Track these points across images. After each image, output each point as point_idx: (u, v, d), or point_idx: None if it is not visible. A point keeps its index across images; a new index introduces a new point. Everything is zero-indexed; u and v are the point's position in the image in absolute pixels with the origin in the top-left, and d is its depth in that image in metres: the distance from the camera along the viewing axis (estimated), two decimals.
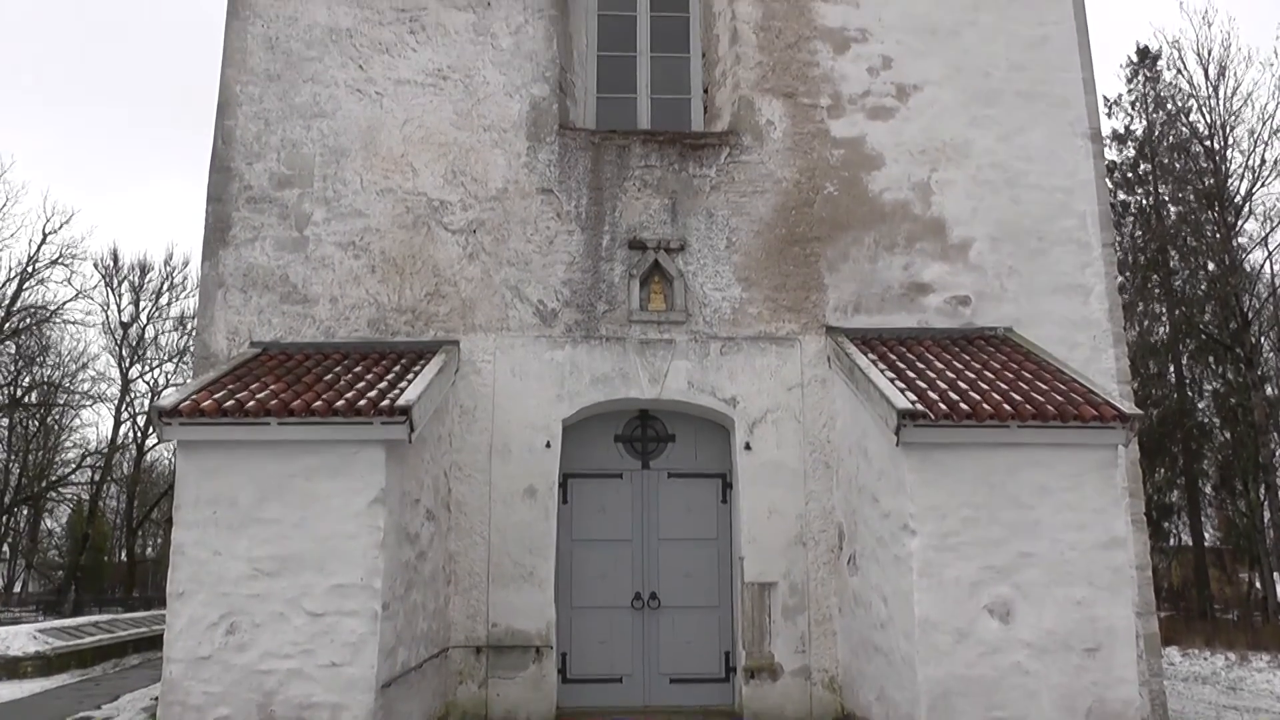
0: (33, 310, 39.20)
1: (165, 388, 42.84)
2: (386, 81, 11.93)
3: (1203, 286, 33.86)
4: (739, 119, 12.00)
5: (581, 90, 12.48)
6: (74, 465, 43.04)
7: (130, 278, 44.04)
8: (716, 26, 12.62)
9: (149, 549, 53.23)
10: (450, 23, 12.13)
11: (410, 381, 9.69)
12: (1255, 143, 32.83)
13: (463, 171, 11.71)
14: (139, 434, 43.59)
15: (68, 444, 44.41)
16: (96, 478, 43.02)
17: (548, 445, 11.10)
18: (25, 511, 44.35)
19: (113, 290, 43.50)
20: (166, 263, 49.53)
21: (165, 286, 44.19)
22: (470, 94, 11.93)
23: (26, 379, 40.64)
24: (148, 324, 43.91)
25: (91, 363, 46.48)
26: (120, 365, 43.04)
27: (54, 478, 42.69)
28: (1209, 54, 34.70)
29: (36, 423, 42.40)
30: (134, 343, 43.61)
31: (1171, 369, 34.84)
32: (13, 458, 41.34)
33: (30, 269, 38.37)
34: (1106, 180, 12.52)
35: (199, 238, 11.70)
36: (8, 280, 38.21)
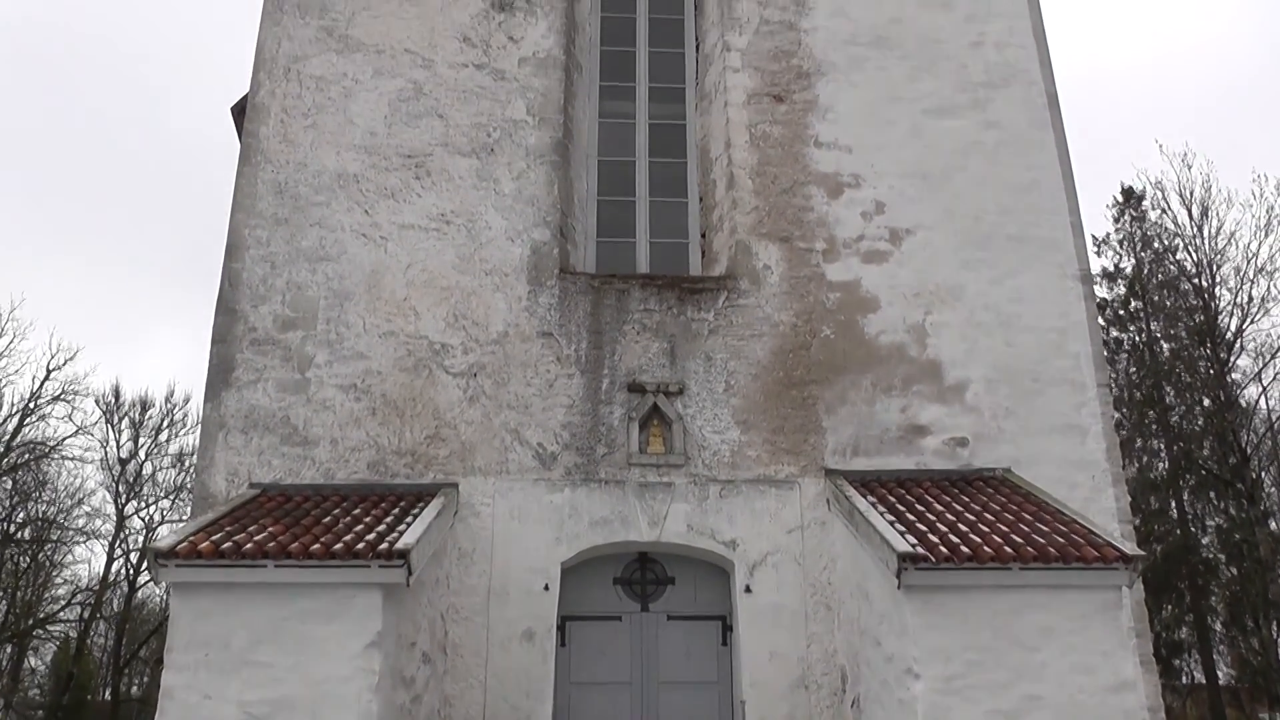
0: (32, 446, 39.14)
1: (161, 524, 42.48)
2: (391, 226, 12.20)
3: (1200, 422, 33.93)
4: (736, 263, 12.24)
5: (582, 234, 12.76)
6: (64, 602, 42.38)
7: (131, 414, 44.11)
8: (713, 172, 12.98)
9: (135, 687, 52.03)
10: (454, 168, 12.48)
11: (409, 524, 9.67)
12: (1241, 280, 33.31)
13: (464, 315, 11.89)
14: (131, 571, 43.07)
15: (58, 580, 43.82)
16: (86, 615, 42.33)
17: (546, 588, 11.01)
18: (9, 650, 43.50)
19: (113, 426, 43.50)
20: (168, 399, 49.57)
21: (165, 423, 44.19)
22: (473, 238, 12.19)
23: (21, 515, 40.34)
24: (146, 460, 43.78)
25: (87, 498, 46.16)
26: (116, 501, 42.77)
27: (42, 615, 42.00)
28: (1191, 195, 35.31)
29: (28, 559, 41.91)
30: (131, 479, 43.41)
31: (1173, 505, 34.67)
32: (1, 594, 40.75)
33: (32, 405, 38.46)
34: (1099, 320, 12.73)
35: (202, 375, 11.81)
36: (9, 416, 38.24)
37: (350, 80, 12.86)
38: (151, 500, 43.68)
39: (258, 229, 12.16)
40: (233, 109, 14.48)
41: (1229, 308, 33.17)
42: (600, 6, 14.15)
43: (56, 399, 39.10)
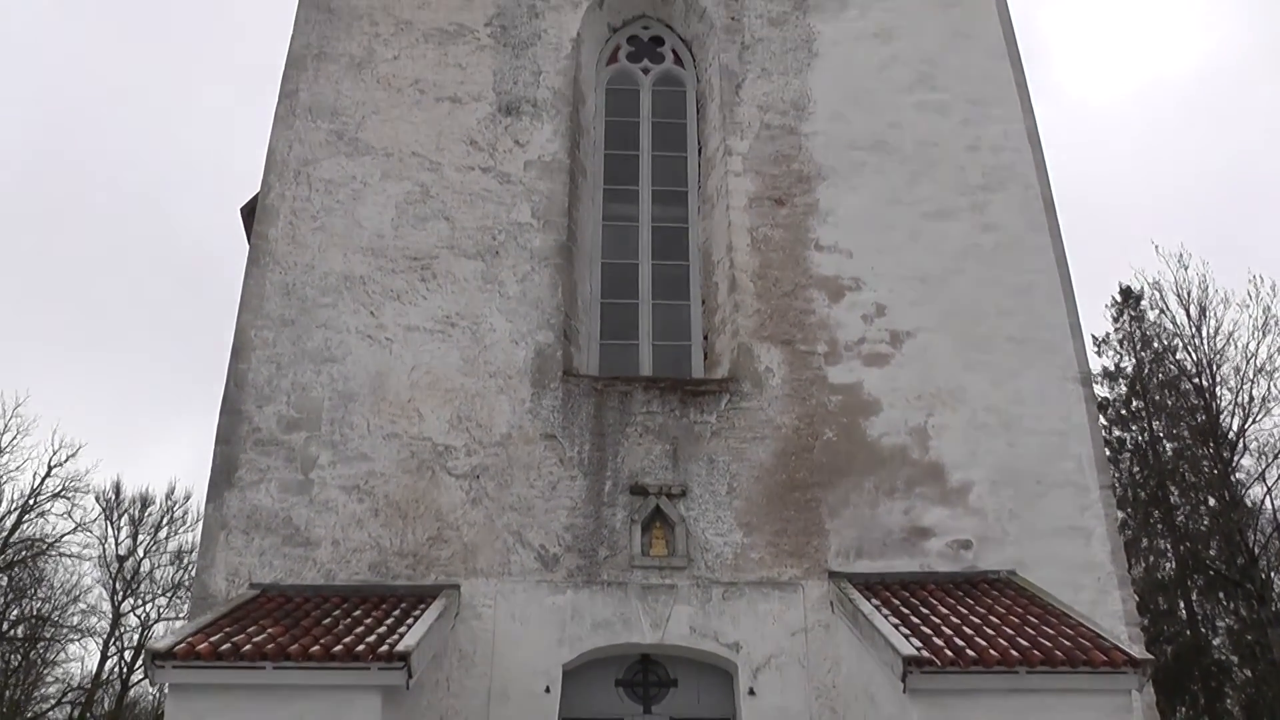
0: (29, 543, 38.89)
1: (157, 621, 41.99)
2: (397, 328, 12.32)
3: (1205, 522, 33.72)
4: (738, 366, 12.32)
5: (585, 336, 12.88)
6: (54, 701, 41.68)
7: (131, 511, 43.91)
8: (716, 275, 13.14)
9: None
10: (460, 271, 12.64)
11: (410, 626, 9.60)
12: (1242, 380, 33.37)
13: (468, 417, 11.93)
14: (125, 669, 42.45)
15: (49, 678, 43.13)
16: (76, 714, 41.59)
17: (547, 690, 10.86)
18: None
19: (112, 523, 43.25)
20: (168, 496, 49.36)
21: (165, 520, 43.97)
22: (477, 340, 12.30)
23: (14, 612, 39.89)
24: (144, 557, 43.48)
25: (83, 595, 45.73)
26: (112, 599, 42.34)
27: (30, 715, 41.26)
28: (1189, 295, 35.61)
29: (19, 657, 41.34)
30: (129, 576, 43.06)
31: (1182, 605, 34.27)
32: None
33: (32, 501, 38.33)
34: (1100, 420, 12.77)
35: (204, 474, 11.81)
36: (8, 513, 38.07)
37: (359, 183, 13.11)
38: (148, 598, 43.23)
39: (264, 330, 12.27)
40: (242, 209, 14.73)
41: (1230, 407, 33.18)
42: (604, 111, 14.51)
43: (57, 495, 38.94)
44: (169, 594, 42.95)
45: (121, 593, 42.35)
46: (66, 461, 43.82)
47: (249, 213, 14.02)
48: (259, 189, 13.23)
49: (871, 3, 14.81)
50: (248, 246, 13.12)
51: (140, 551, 43.23)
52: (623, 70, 14.85)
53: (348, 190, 13.05)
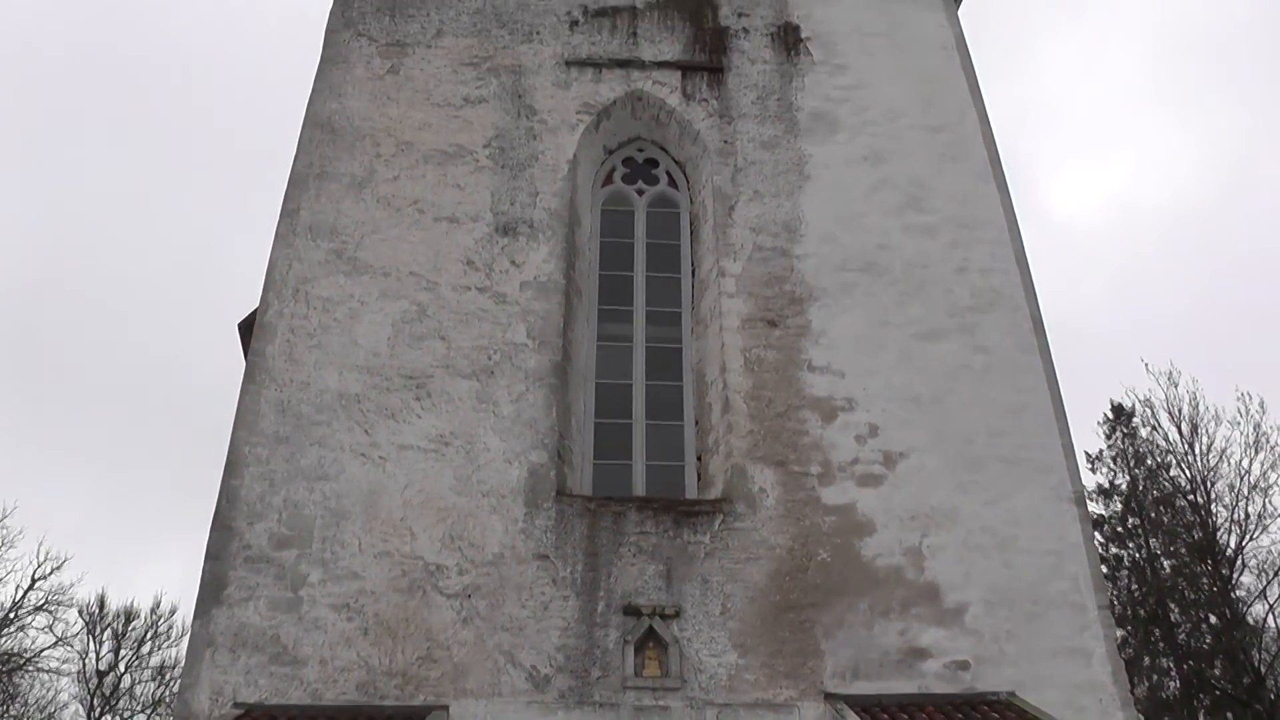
0: (6, 658, 38.15)
1: None
2: (391, 446, 12.33)
3: (1208, 640, 33.32)
4: (732, 486, 12.32)
5: (579, 456, 12.89)
6: None
7: (114, 625, 43.20)
8: (709, 395, 13.22)
9: None
10: (454, 390, 12.70)
11: None
12: (1237, 497, 33.32)
13: (460, 536, 11.87)
14: None
15: None
16: None
17: None
18: None
19: (94, 637, 42.47)
20: (153, 610, 48.64)
21: (149, 635, 43.25)
22: (471, 460, 12.30)
23: None
24: (125, 673, 42.64)
25: (59, 712, 44.72)
26: (89, 716, 41.39)
27: None
28: (1180, 412, 35.80)
29: None
30: (108, 692, 42.16)
31: None
32: None
33: (13, 615, 37.72)
34: (1096, 538, 12.74)
35: (191, 589, 11.71)
36: None
37: (356, 301, 13.26)
38: (127, 715, 42.26)
39: (258, 447, 12.27)
40: (240, 325, 14.85)
41: (1226, 524, 33.07)
42: (600, 232, 14.76)
43: (39, 609, 38.31)
44: (149, 711, 41.99)
45: (100, 709, 41.40)
46: (51, 574, 43.24)
47: (246, 328, 14.14)
48: (258, 305, 13.37)
49: (861, 127, 15.22)
50: (244, 362, 13.21)
51: (122, 666, 42.41)
52: (618, 192, 15.16)
53: (345, 309, 13.19)
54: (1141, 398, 37.08)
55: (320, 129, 14.65)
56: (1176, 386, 38.21)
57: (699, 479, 12.91)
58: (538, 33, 15.97)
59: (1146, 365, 45.69)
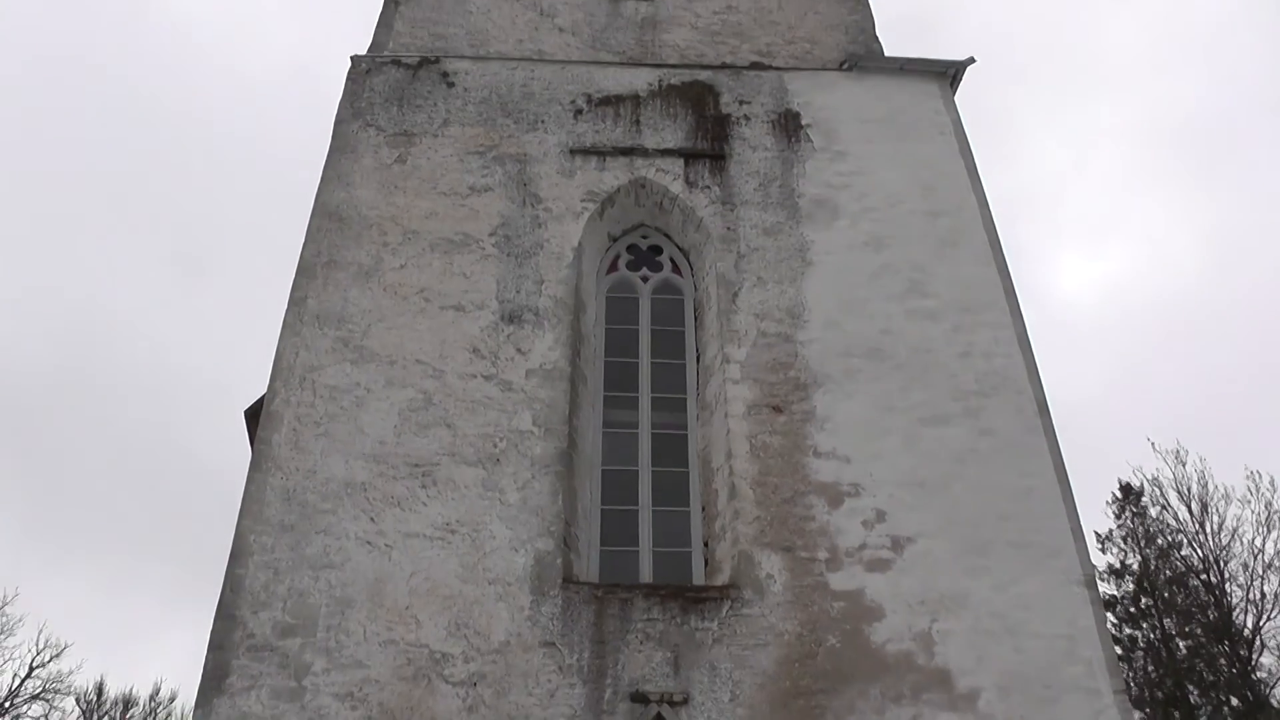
0: None
1: None
2: (396, 534, 12.31)
3: None
4: (739, 573, 12.25)
5: (585, 543, 12.85)
6: None
7: (112, 712, 42.69)
8: (715, 481, 13.21)
9: None
10: (461, 478, 12.71)
11: None
12: (1251, 577, 33.07)
13: (466, 624, 11.79)
14: None
15: None
16: None
17: None
18: None
19: None
20: (152, 698, 48.10)
21: None
22: (477, 548, 12.26)
23: None
24: None
25: None
26: None
27: None
28: (1189, 491, 35.73)
29: None
30: None
31: None
32: None
33: (8, 704, 37.31)
34: (1110, 619, 12.63)
35: (192, 676, 11.61)
36: None
37: (363, 390, 13.33)
38: None
39: (263, 535, 12.26)
40: (246, 412, 14.93)
41: (1242, 604, 32.78)
42: (605, 319, 14.88)
43: (35, 697, 37.97)
44: None
45: None
46: (50, 662, 42.90)
47: (253, 415, 14.21)
48: (264, 393, 13.45)
49: (862, 213, 15.41)
50: (250, 450, 13.25)
51: None
52: (622, 278, 15.32)
53: (352, 397, 13.26)
54: (1149, 477, 37.01)
55: (328, 218, 14.87)
56: (1184, 465, 38.11)
57: (706, 565, 12.86)
58: (543, 121, 16.28)
59: (1153, 444, 45.62)
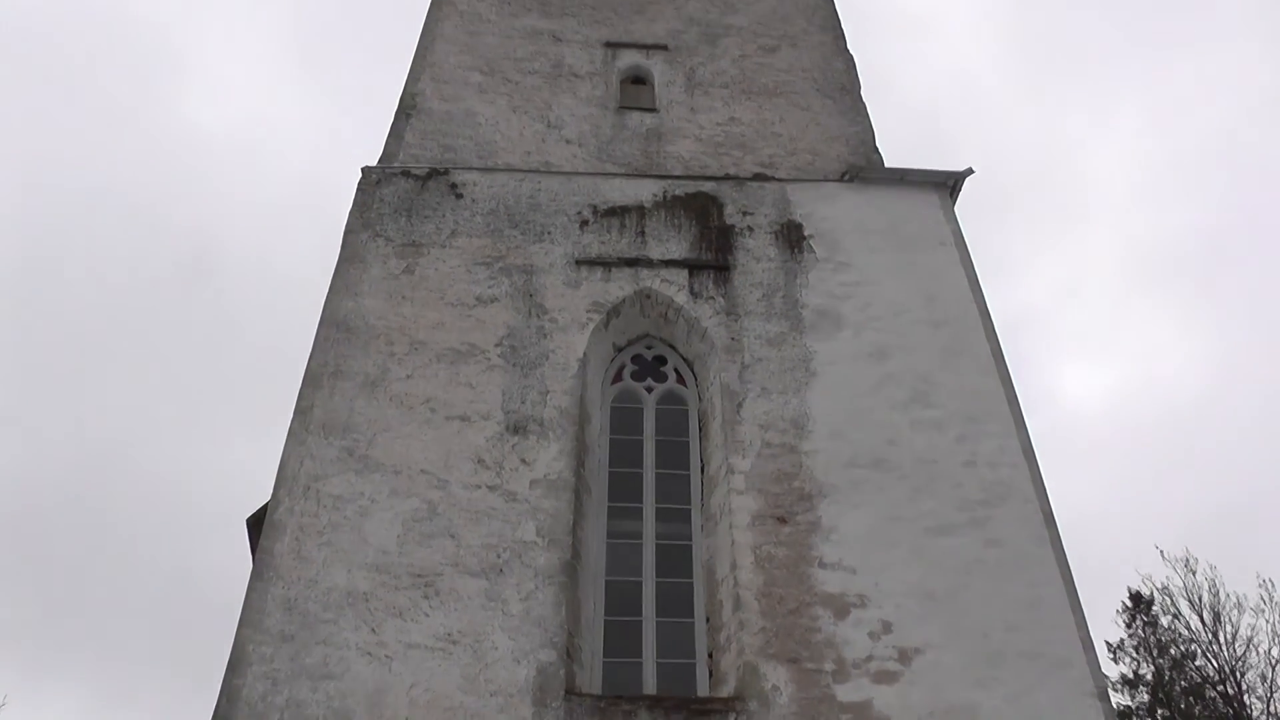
0: None
1: None
2: (398, 645, 12.17)
3: None
4: (745, 684, 12.07)
5: (588, 654, 12.69)
6: None
7: None
8: (720, 593, 13.10)
9: None
10: (463, 589, 12.62)
11: None
12: (1270, 689, 32.44)
13: None
14: None
15: None
16: None
17: None
18: None
19: None
20: None
21: None
22: (478, 659, 12.11)
23: None
24: None
25: None
26: None
27: None
28: (1200, 600, 35.28)
29: None
30: None
31: None
32: None
33: None
34: None
35: None
36: None
37: (367, 499, 13.30)
38: None
39: (263, 645, 12.12)
40: (248, 520, 14.88)
41: (1262, 716, 32.10)
42: (609, 429, 14.90)
43: None
44: None
45: None
46: None
47: (255, 524, 14.16)
48: (268, 501, 13.43)
49: (865, 323, 15.54)
50: (251, 558, 13.17)
51: None
52: (627, 389, 15.39)
53: (355, 507, 13.23)
54: (1159, 585, 36.55)
55: (336, 328, 15.02)
56: (1195, 574, 37.66)
57: (711, 677, 12.66)
58: (549, 232, 16.53)
59: (1162, 552, 45.19)
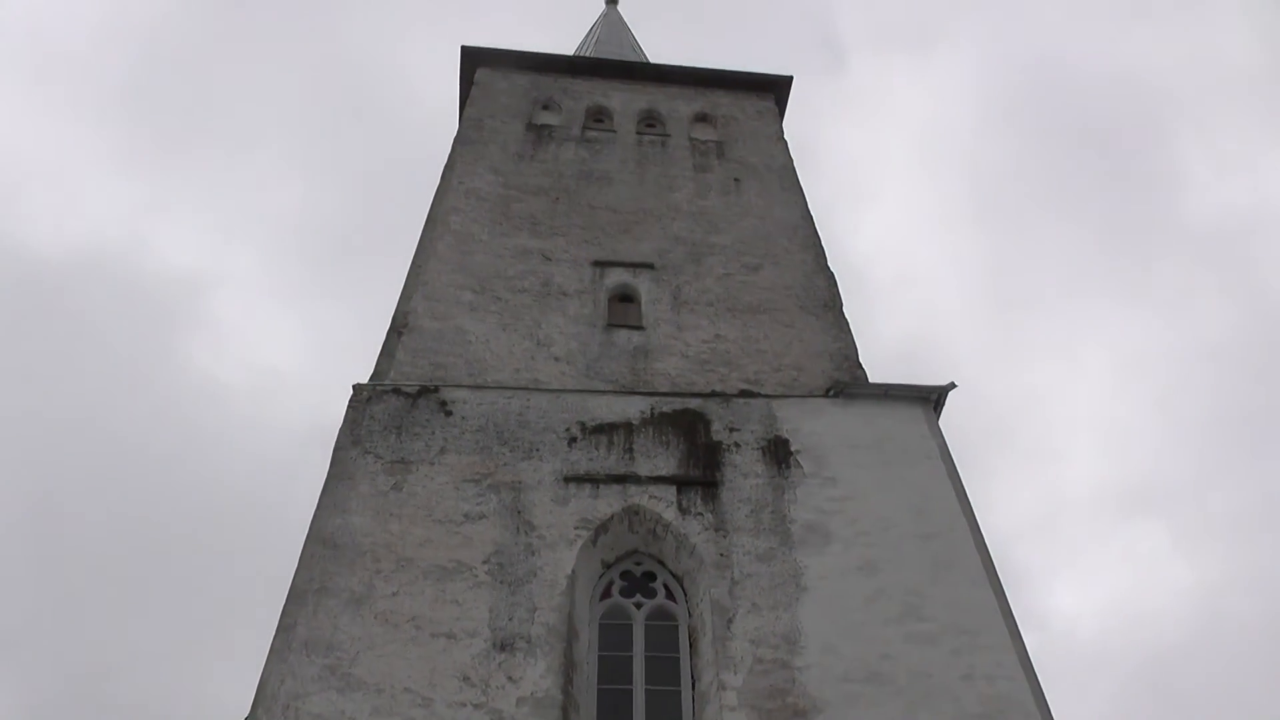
0: None
1: None
2: None
3: None
4: None
5: None
6: None
7: None
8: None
9: None
10: None
11: None
12: None
13: None
14: None
15: None
16: None
17: None
18: None
19: None
20: None
21: None
22: None
23: None
24: None
25: None
26: None
27: None
28: None
29: None
30: None
31: None
32: None
33: None
34: None
35: None
36: None
37: (348, 719, 12.87)
38: None
39: None
40: None
41: None
42: (598, 646, 14.56)
43: None
44: None
45: None
46: None
47: None
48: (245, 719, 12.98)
49: (854, 538, 15.48)
50: None
51: None
52: (616, 605, 15.13)
53: None
54: None
55: (322, 545, 14.87)
56: None
57: None
58: (538, 450, 16.61)
59: None
